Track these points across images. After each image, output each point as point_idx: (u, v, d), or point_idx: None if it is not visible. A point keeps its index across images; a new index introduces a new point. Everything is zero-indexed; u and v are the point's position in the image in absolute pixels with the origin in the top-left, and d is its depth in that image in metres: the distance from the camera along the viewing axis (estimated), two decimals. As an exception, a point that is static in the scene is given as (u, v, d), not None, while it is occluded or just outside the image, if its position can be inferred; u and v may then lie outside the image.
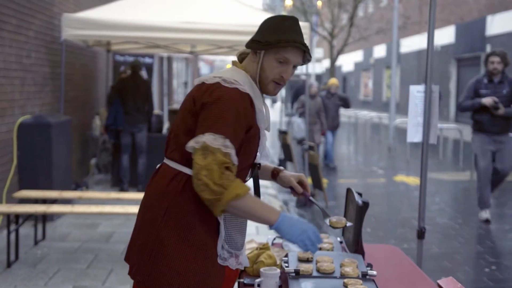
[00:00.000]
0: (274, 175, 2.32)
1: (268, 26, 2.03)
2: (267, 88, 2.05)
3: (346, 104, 10.74)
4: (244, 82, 1.97)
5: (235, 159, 1.88)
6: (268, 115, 2.10)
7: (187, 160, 1.93)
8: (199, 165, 1.83)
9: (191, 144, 1.86)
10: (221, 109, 1.87)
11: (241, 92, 1.93)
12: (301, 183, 2.28)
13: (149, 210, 1.98)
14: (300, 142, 9.90)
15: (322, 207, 2.22)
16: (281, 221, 1.87)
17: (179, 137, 1.97)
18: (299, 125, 10.15)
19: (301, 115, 10.06)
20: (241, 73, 2.02)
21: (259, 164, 2.19)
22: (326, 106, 10.37)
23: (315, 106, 9.97)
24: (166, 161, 2.03)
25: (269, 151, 2.21)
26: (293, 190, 2.29)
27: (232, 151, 1.87)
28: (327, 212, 2.20)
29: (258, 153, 2.12)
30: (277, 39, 1.97)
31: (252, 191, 1.96)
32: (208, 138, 1.84)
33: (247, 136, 1.96)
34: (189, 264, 1.91)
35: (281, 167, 2.35)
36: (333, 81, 10.88)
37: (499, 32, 19.86)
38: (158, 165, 2.14)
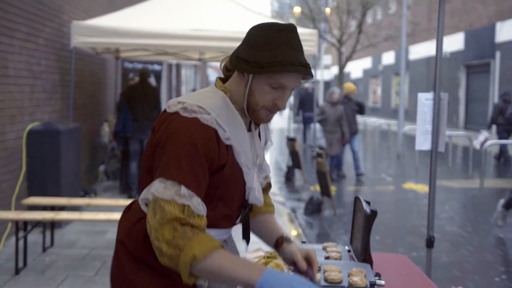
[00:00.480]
0: (277, 244, 1.85)
1: (259, 39, 1.59)
2: (258, 115, 1.65)
3: (361, 110, 10.50)
4: (213, 108, 1.58)
5: (199, 209, 1.51)
6: (259, 145, 1.76)
7: None
8: (150, 224, 1.50)
9: (143, 195, 1.55)
10: (174, 147, 1.51)
11: (201, 124, 1.54)
12: (308, 259, 1.76)
13: (116, 249, 1.74)
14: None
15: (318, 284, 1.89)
16: (265, 281, 1.41)
17: (143, 176, 1.65)
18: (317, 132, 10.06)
19: (320, 122, 9.80)
20: (216, 96, 1.64)
21: (251, 206, 1.78)
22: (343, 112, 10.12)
23: (335, 114, 9.62)
24: (139, 197, 1.68)
25: (261, 197, 1.78)
26: (295, 266, 1.76)
27: (191, 201, 1.49)
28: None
29: (252, 193, 1.74)
30: (270, 60, 1.55)
31: (225, 246, 1.57)
32: (158, 188, 1.49)
33: (220, 177, 1.60)
34: None
35: (289, 237, 1.87)
36: (350, 86, 10.45)
37: (509, 38, 19.76)
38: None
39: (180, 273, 1.47)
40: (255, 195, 1.74)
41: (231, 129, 1.61)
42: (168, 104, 1.63)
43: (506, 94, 12.30)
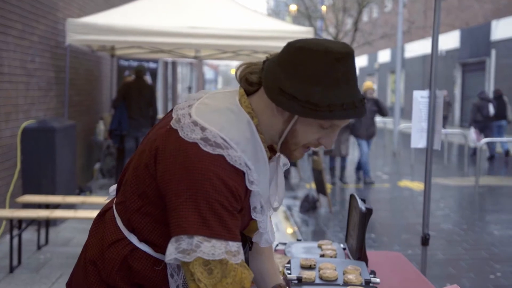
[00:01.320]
0: None
1: (311, 71, 1.26)
2: (292, 154, 1.40)
3: (381, 110, 9.46)
4: (239, 142, 1.29)
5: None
6: (281, 183, 1.52)
7: (132, 228, 1.39)
8: (204, 283, 1.25)
9: (172, 254, 1.26)
10: (206, 196, 1.24)
11: (229, 165, 1.27)
12: None
13: (85, 269, 1.47)
14: (329, 152, 9.26)
15: None
16: None
17: (130, 195, 1.38)
18: None
19: None
20: (241, 121, 1.32)
21: (251, 243, 1.61)
22: None
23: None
24: (114, 209, 1.45)
25: (273, 234, 1.57)
26: None
27: (240, 254, 1.29)
28: None
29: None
30: (329, 103, 1.26)
31: None
32: (203, 249, 1.24)
33: None
34: None
35: (285, 285, 1.76)
36: (369, 84, 9.78)
37: (504, 37, 19.81)
38: (113, 190, 1.59)
39: None
40: (267, 239, 1.53)
41: (256, 168, 1.33)
42: (178, 116, 1.34)
43: (483, 93, 13.07)
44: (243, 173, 1.30)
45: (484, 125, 12.61)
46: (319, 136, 1.35)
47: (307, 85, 1.26)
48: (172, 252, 1.25)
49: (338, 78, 1.26)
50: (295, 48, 1.30)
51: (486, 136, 11.94)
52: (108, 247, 1.40)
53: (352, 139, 9.98)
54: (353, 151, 12.11)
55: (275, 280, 1.68)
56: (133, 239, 1.38)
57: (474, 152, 13.45)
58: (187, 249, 1.24)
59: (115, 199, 1.48)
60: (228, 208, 1.26)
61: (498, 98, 13.01)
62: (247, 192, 1.34)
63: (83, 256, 1.49)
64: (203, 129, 1.28)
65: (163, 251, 1.33)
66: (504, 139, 12.03)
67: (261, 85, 1.36)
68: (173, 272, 1.39)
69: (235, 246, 1.27)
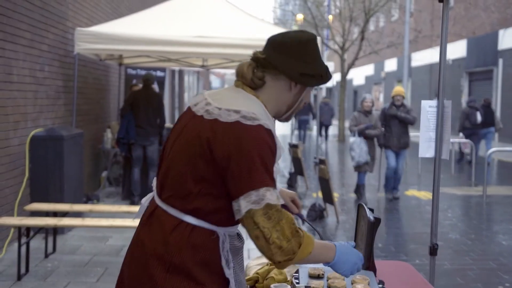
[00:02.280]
0: None
1: (312, 54, 1.78)
2: (290, 117, 1.88)
3: (405, 120, 8.65)
4: (262, 114, 1.69)
5: None
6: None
7: (191, 210, 1.68)
8: (267, 227, 1.60)
9: (247, 206, 1.60)
10: (260, 156, 1.60)
11: (266, 130, 1.66)
12: (294, 201, 2.21)
13: (145, 266, 1.70)
14: (360, 167, 8.47)
15: (317, 229, 2.20)
16: (337, 259, 1.81)
17: (184, 185, 1.67)
18: (360, 146, 8.30)
19: (361, 134, 8.37)
20: (256, 102, 1.73)
21: None
22: (388, 122, 8.68)
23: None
24: (161, 205, 1.73)
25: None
26: (286, 207, 2.17)
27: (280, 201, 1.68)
28: (320, 233, 2.16)
29: None
30: (326, 72, 1.80)
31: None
32: (268, 197, 1.61)
33: None
34: None
35: None
36: (399, 89, 8.86)
37: (511, 46, 19.77)
38: (146, 201, 1.88)
39: (280, 266, 1.66)
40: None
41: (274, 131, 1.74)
42: (205, 111, 1.69)
43: (472, 101, 13.71)
44: (273, 136, 1.68)
45: (472, 132, 13.30)
46: (307, 97, 1.86)
47: (313, 64, 1.77)
48: (246, 206, 1.59)
49: (318, 52, 1.80)
50: (290, 43, 1.76)
51: (473, 142, 12.39)
52: (170, 233, 1.67)
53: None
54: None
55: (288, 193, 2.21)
56: (191, 220, 1.68)
57: (461, 157, 14.29)
58: (257, 200, 1.59)
59: (160, 195, 1.75)
60: (272, 163, 1.65)
61: (487, 107, 13.64)
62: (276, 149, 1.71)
63: (140, 252, 1.72)
64: (236, 111, 1.65)
65: (217, 221, 1.69)
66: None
67: (264, 78, 1.77)
68: (224, 240, 1.72)
69: (277, 192, 1.66)
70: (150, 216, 1.76)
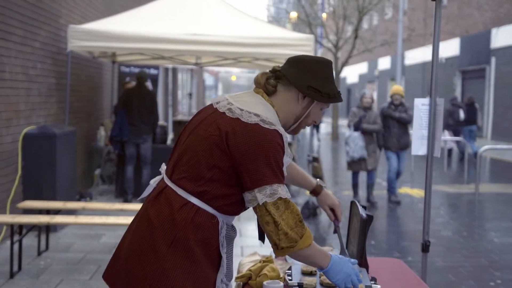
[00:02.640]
0: (315, 192, 2.43)
1: (324, 74, 1.97)
2: (298, 130, 2.07)
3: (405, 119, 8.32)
4: (276, 122, 1.89)
5: None
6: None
7: (199, 192, 1.86)
8: (276, 216, 1.83)
9: (263, 199, 1.82)
10: (274, 156, 1.83)
11: (280, 135, 1.87)
12: (333, 210, 2.44)
13: (151, 237, 1.86)
14: (354, 162, 8.15)
15: (343, 243, 2.29)
16: (331, 267, 1.95)
17: (197, 168, 1.86)
18: (355, 141, 8.03)
19: (357, 128, 8.09)
20: (271, 110, 1.94)
21: None
22: (387, 122, 8.31)
23: (368, 121, 8.10)
24: (171, 185, 1.90)
25: None
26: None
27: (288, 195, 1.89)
28: (345, 250, 2.27)
29: None
30: (334, 93, 1.98)
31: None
32: (280, 191, 1.83)
33: None
34: None
35: (323, 185, 2.44)
36: (397, 88, 8.52)
37: (504, 44, 19.87)
38: (155, 181, 2.05)
39: (282, 252, 1.86)
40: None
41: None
42: (228, 109, 1.88)
43: (454, 99, 14.46)
44: (284, 140, 1.89)
45: (455, 129, 13.98)
46: (316, 116, 2.04)
47: (324, 83, 1.96)
48: (262, 198, 1.82)
49: (332, 77, 2.00)
50: (306, 60, 1.98)
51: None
52: (178, 210, 1.85)
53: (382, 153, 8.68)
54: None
55: (312, 182, 2.43)
56: (196, 202, 1.86)
57: (449, 153, 14.78)
58: (271, 194, 1.82)
59: (171, 177, 1.92)
60: (283, 163, 1.87)
61: (470, 105, 14.18)
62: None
63: (146, 225, 1.89)
64: (256, 115, 1.85)
65: (218, 208, 1.88)
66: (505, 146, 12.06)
67: (277, 87, 1.99)
68: (222, 226, 1.92)
69: (286, 187, 1.88)
70: (159, 195, 1.92)
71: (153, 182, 2.05)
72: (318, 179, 2.46)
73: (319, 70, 1.97)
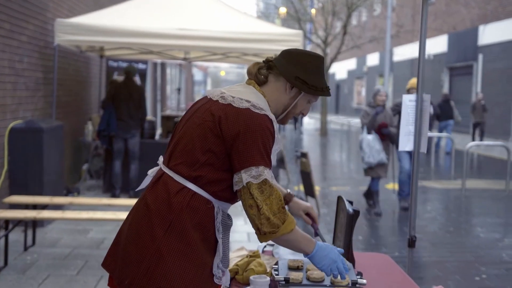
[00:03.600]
0: (286, 202, 2.41)
1: (312, 67, 2.03)
2: (286, 120, 2.12)
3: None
4: (267, 109, 1.96)
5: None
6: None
7: (194, 177, 1.91)
8: (259, 199, 1.87)
9: (247, 179, 1.86)
10: (262, 140, 1.88)
11: (270, 119, 1.93)
12: (309, 215, 2.43)
13: (148, 221, 1.91)
14: (372, 170, 7.33)
15: (325, 241, 2.27)
16: (316, 252, 1.99)
17: (192, 153, 1.92)
18: (370, 144, 7.22)
19: (371, 129, 7.32)
20: (262, 98, 2.00)
21: None
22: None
23: (381, 121, 7.33)
24: (168, 172, 1.96)
25: None
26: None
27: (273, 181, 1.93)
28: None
29: None
30: (322, 86, 2.04)
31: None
32: (265, 174, 1.87)
33: None
34: (187, 283, 1.87)
35: (292, 194, 2.47)
36: (415, 82, 7.36)
37: (491, 41, 20.01)
38: (152, 172, 2.10)
39: (264, 238, 1.90)
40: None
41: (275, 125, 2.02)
42: (227, 97, 1.93)
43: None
44: (274, 125, 1.94)
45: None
46: (303, 108, 2.10)
47: (312, 75, 2.02)
48: (246, 178, 1.86)
49: (322, 72, 2.05)
50: (298, 53, 2.04)
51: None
52: (174, 195, 1.90)
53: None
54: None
55: (283, 192, 2.40)
56: (192, 187, 1.91)
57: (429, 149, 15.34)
58: (256, 175, 1.86)
59: (168, 164, 1.97)
60: (271, 148, 1.92)
61: (445, 102, 15.26)
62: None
63: (144, 210, 1.94)
64: (247, 101, 1.92)
65: (213, 193, 1.93)
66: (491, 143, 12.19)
67: (267, 77, 2.05)
68: (218, 211, 1.95)
69: (271, 172, 1.92)
70: (156, 181, 1.98)
71: (151, 172, 2.11)
72: (287, 189, 2.48)
73: (309, 63, 2.03)
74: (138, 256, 1.89)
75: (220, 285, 1.99)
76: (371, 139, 7.21)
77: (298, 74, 2.01)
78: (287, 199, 2.42)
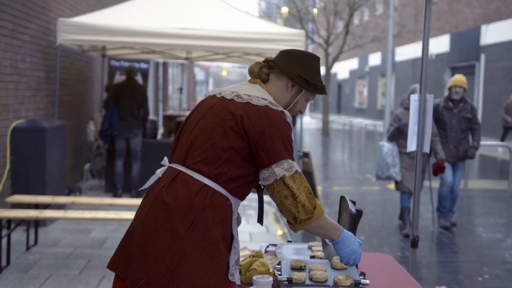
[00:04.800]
0: None
1: (312, 66, 2.11)
2: None
3: (473, 121, 6.54)
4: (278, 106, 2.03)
5: None
6: None
7: (215, 174, 1.94)
8: (294, 189, 1.94)
9: (282, 172, 1.93)
10: (286, 134, 1.96)
11: (287, 115, 2.02)
12: None
13: (168, 220, 1.90)
14: (399, 182, 6.36)
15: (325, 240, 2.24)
16: (341, 240, 2.06)
17: (213, 151, 1.95)
18: (383, 155, 6.36)
19: (393, 139, 6.36)
20: (270, 97, 2.05)
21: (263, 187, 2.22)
22: (443, 124, 6.50)
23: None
24: (185, 170, 1.97)
25: None
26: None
27: None
28: (327, 242, 2.20)
29: None
30: (321, 85, 2.12)
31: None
32: (295, 166, 1.96)
33: None
34: (209, 281, 1.88)
35: None
36: (459, 79, 6.52)
37: (493, 41, 19.97)
38: (161, 171, 2.08)
39: (300, 226, 1.97)
40: None
41: None
42: (236, 96, 2.00)
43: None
44: (290, 121, 2.01)
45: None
46: (302, 106, 2.18)
47: (312, 74, 2.11)
48: (280, 172, 1.93)
49: (320, 70, 2.15)
50: (298, 53, 2.12)
51: None
52: (195, 194, 1.92)
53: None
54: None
55: None
56: (213, 185, 1.94)
57: None
58: (288, 168, 1.94)
59: (184, 163, 1.99)
60: (292, 141, 2.00)
61: None
62: None
63: (162, 210, 1.93)
64: (263, 99, 1.99)
65: (231, 190, 1.97)
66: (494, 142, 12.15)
67: (269, 76, 2.12)
68: (235, 207, 2.01)
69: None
70: (173, 181, 1.98)
71: (160, 172, 2.10)
72: None
73: (308, 62, 2.11)
74: (157, 255, 1.88)
75: (234, 282, 2.01)
76: (385, 150, 6.35)
77: (300, 73, 2.08)
78: None
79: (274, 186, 1.95)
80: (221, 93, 2.07)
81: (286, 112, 2.01)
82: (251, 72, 2.16)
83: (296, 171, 1.96)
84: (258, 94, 2.02)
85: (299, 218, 1.94)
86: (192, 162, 1.97)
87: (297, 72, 2.08)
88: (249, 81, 2.15)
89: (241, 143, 1.94)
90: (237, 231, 2.04)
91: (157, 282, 1.85)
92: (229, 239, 2.00)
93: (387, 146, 6.37)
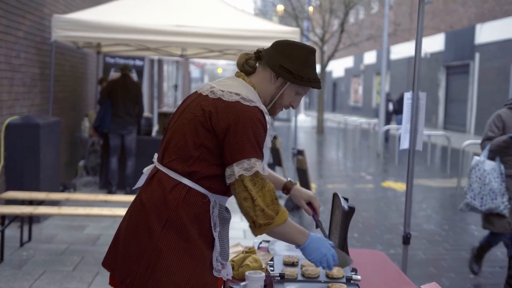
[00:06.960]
0: (286, 189, 2.39)
1: (299, 57, 2.01)
2: (275, 110, 2.10)
3: None
4: (257, 101, 1.95)
5: None
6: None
7: (188, 173, 1.91)
8: (253, 191, 1.87)
9: (240, 171, 1.85)
10: (253, 132, 1.87)
11: (260, 110, 1.92)
12: (311, 205, 2.35)
13: (145, 219, 1.92)
14: (496, 215, 4.40)
15: (326, 234, 2.23)
16: (308, 245, 1.98)
17: (186, 149, 1.92)
18: (483, 179, 4.34)
19: (498, 151, 4.33)
20: (252, 90, 1.99)
21: None
22: None
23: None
24: (162, 169, 1.96)
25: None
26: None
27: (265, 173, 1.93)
28: (326, 235, 2.22)
29: None
30: (309, 77, 2.00)
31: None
32: (258, 166, 1.87)
33: None
34: (188, 277, 1.88)
35: (294, 182, 2.42)
36: None
37: (488, 40, 20.04)
38: (147, 170, 2.10)
39: (259, 230, 1.88)
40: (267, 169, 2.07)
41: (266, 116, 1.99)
42: (216, 91, 1.93)
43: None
44: (265, 116, 1.93)
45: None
46: (292, 100, 2.07)
47: (297, 65, 1.99)
48: (238, 171, 1.85)
49: (312, 64, 2.03)
50: (287, 43, 2.02)
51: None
52: (170, 191, 1.90)
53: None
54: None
55: (282, 180, 2.41)
56: (187, 182, 1.91)
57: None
58: (248, 167, 1.85)
59: (161, 162, 1.97)
60: (263, 140, 1.91)
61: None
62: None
63: (140, 208, 1.95)
64: (237, 94, 1.91)
65: (208, 187, 1.92)
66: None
67: (256, 68, 2.05)
68: (214, 205, 1.95)
69: (263, 164, 1.91)
70: (151, 179, 1.99)
71: (146, 170, 2.11)
72: (288, 178, 2.44)
73: (296, 53, 2.01)
74: (138, 254, 1.90)
75: (220, 278, 1.99)
76: (489, 170, 4.33)
77: (282, 63, 1.99)
78: (288, 186, 2.38)
79: (235, 186, 1.88)
80: (201, 88, 2.02)
81: (261, 107, 1.92)
82: (237, 64, 2.10)
83: (257, 172, 1.86)
84: (234, 89, 1.94)
85: (257, 222, 1.87)
86: (168, 160, 1.95)
87: (280, 62, 1.99)
88: (235, 74, 2.09)
89: (212, 140, 1.89)
90: (226, 228, 2.01)
91: (139, 281, 1.87)
92: (210, 236, 1.95)
93: (490, 165, 4.34)
